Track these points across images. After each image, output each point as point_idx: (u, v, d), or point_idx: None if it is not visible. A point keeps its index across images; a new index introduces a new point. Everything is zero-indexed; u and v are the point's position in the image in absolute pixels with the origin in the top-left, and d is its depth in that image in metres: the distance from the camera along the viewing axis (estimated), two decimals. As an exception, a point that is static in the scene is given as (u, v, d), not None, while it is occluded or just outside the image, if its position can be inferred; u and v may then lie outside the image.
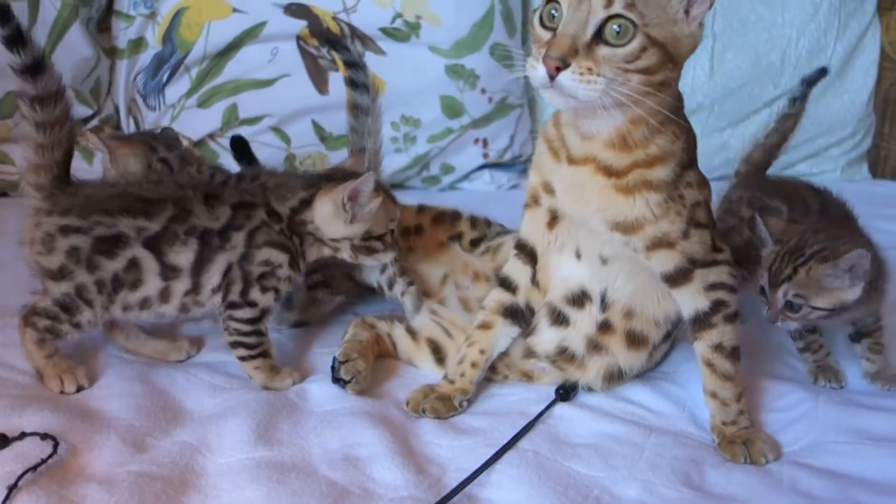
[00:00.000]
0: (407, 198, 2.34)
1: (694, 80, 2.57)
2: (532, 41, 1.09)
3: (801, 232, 1.30)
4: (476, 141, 2.44)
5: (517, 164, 2.55)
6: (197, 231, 1.22)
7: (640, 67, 1.03)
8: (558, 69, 1.01)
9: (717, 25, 2.60)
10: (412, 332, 1.41)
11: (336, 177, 1.31)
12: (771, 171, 1.74)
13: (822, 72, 1.72)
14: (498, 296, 1.31)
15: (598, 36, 1.02)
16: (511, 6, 2.40)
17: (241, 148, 1.73)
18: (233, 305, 1.25)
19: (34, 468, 0.99)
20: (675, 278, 1.20)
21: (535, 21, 1.08)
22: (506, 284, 1.31)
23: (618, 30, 1.01)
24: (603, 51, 1.02)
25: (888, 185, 2.79)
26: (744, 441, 1.17)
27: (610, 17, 1.01)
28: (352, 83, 1.50)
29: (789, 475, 1.12)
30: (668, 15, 1.04)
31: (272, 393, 1.26)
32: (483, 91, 2.36)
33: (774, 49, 2.65)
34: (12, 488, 0.95)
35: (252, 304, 1.25)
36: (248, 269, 1.23)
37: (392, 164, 2.30)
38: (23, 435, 1.05)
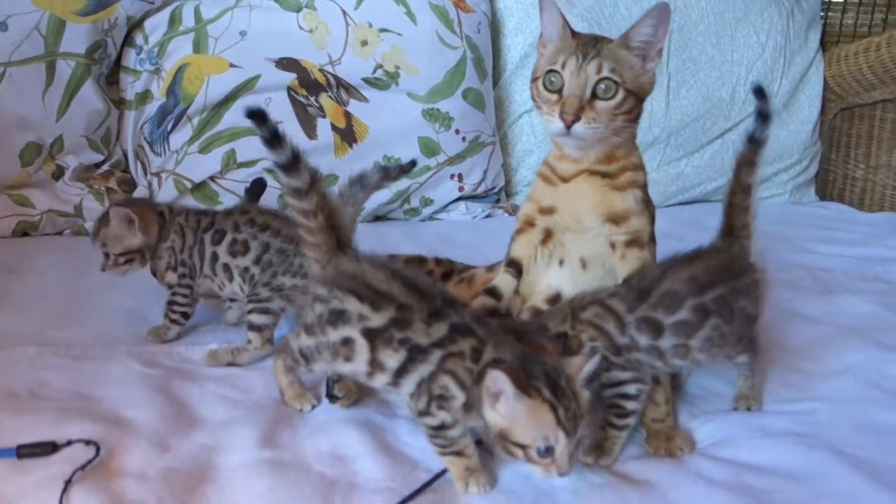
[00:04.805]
0: (390, 229, 2.54)
1: (651, 115, 2.77)
2: (539, 101, 1.39)
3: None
4: (452, 176, 2.62)
5: (490, 196, 2.74)
6: (408, 343, 1.22)
7: (624, 111, 1.36)
8: (573, 121, 1.32)
9: (671, 65, 2.81)
10: None
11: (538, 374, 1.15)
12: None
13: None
14: (483, 300, 1.47)
15: (593, 93, 1.33)
16: (482, 54, 2.60)
17: (258, 191, 1.82)
18: (421, 413, 1.24)
19: (82, 467, 1.16)
20: None
21: (540, 87, 1.39)
22: (493, 293, 1.48)
23: (605, 88, 1.33)
24: (599, 104, 1.34)
25: (832, 206, 3.01)
26: (666, 436, 1.34)
27: (600, 80, 1.33)
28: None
29: (696, 464, 1.27)
30: (635, 71, 1.37)
31: (274, 404, 1.40)
32: (457, 131, 2.56)
33: (724, 86, 2.87)
34: (68, 483, 1.13)
35: (431, 415, 1.23)
36: (430, 387, 1.21)
37: (376, 198, 2.46)
38: (69, 442, 1.22)
